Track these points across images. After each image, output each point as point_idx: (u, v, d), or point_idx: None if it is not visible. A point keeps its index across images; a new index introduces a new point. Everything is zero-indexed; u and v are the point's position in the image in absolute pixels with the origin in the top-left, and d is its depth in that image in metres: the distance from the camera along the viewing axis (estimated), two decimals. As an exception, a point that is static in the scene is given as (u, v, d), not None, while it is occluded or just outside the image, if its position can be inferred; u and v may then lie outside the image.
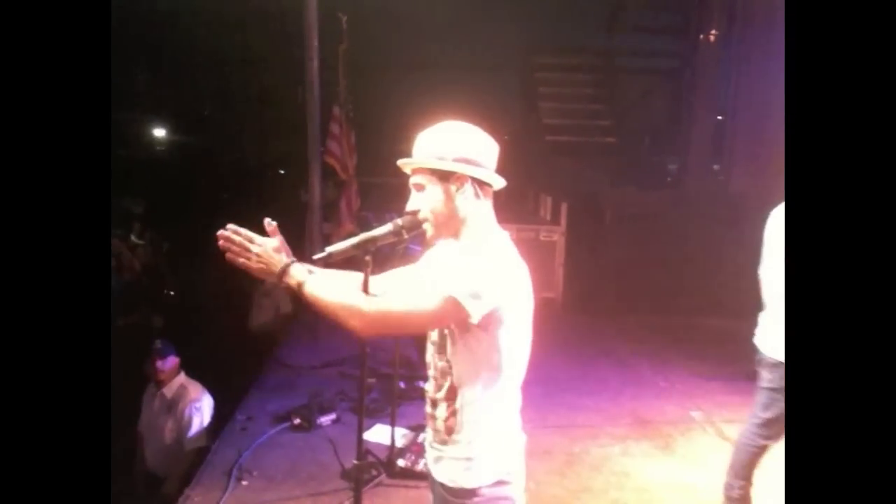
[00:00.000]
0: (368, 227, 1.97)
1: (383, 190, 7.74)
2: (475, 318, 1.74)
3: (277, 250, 1.80)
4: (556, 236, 7.48)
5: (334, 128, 7.26)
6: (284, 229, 1.85)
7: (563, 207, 7.59)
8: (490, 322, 1.77)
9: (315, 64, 6.95)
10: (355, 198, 7.51)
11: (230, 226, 1.82)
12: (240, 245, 1.79)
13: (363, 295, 1.77)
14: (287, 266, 1.78)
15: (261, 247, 1.79)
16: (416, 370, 4.75)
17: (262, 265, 1.79)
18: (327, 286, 1.76)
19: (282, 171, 9.38)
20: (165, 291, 7.95)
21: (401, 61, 9.49)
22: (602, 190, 8.71)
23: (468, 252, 1.81)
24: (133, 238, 9.40)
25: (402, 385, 4.56)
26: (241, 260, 1.80)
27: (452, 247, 1.90)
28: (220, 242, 1.81)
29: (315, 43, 6.90)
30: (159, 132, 13.19)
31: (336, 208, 7.27)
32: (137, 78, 12.14)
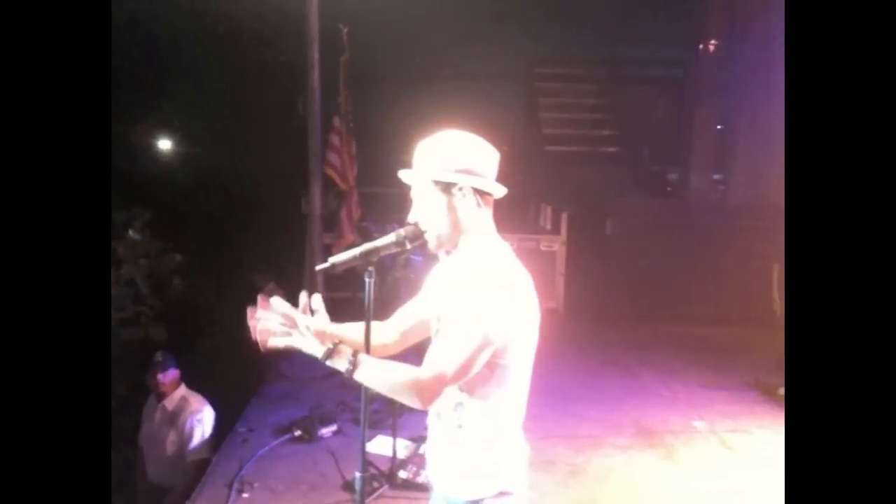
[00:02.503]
0: (370, 238, 1.98)
1: (384, 200, 7.74)
2: (499, 345, 1.77)
3: (320, 334, 1.78)
4: (557, 246, 7.48)
5: (334, 139, 7.27)
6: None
7: (564, 217, 7.59)
8: (504, 343, 1.79)
9: (316, 75, 6.98)
10: (356, 208, 7.52)
11: (274, 298, 1.81)
12: (281, 330, 1.80)
13: (412, 374, 1.76)
14: (330, 353, 1.77)
15: (301, 327, 1.78)
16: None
17: (303, 347, 1.79)
18: (373, 381, 1.78)
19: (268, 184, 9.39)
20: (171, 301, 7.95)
21: (402, 71, 9.53)
22: (603, 200, 8.72)
23: (477, 275, 1.79)
24: (131, 234, 9.37)
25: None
26: (281, 343, 1.81)
27: (456, 265, 1.89)
28: (259, 324, 1.82)
29: (316, 54, 6.93)
30: (163, 144, 13.22)
31: (337, 219, 7.27)
32: (139, 89, 12.19)
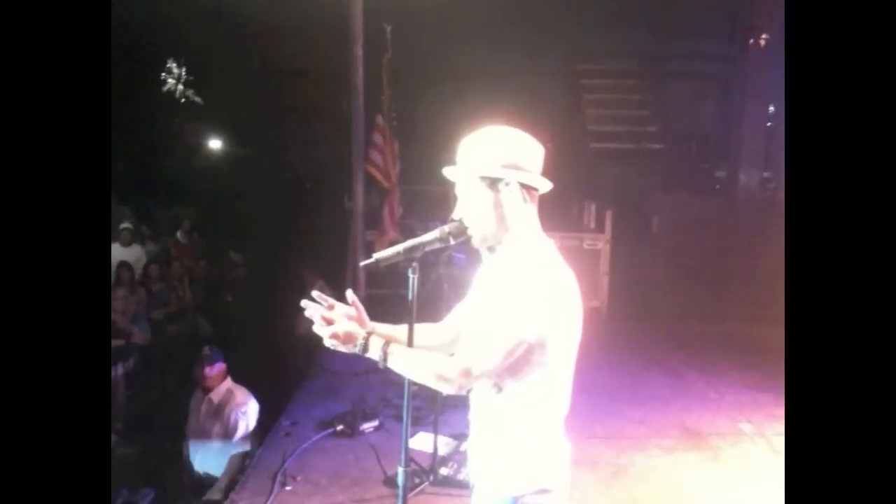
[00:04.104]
0: (413, 235, 1.98)
1: (427, 197, 7.77)
2: (533, 341, 1.78)
3: (355, 326, 1.87)
4: (601, 244, 7.39)
5: (377, 137, 7.32)
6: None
7: (608, 215, 7.49)
8: (542, 338, 1.78)
9: (359, 74, 7.04)
10: (398, 206, 7.56)
11: (315, 293, 1.92)
12: (322, 318, 1.87)
13: (440, 368, 1.82)
14: (364, 347, 1.85)
15: (340, 322, 1.87)
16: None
17: (339, 347, 1.87)
18: (406, 368, 1.84)
19: (307, 185, 9.53)
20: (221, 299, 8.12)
21: (445, 69, 9.54)
22: (648, 197, 8.58)
23: (517, 273, 1.79)
24: (179, 236, 9.61)
25: (444, 393, 4.55)
26: (325, 333, 1.88)
27: (499, 262, 1.89)
28: (306, 312, 1.89)
29: (359, 53, 6.99)
30: (213, 143, 13.49)
31: (379, 216, 7.32)
32: (188, 89, 12.49)
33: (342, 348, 1.86)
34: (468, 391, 2.00)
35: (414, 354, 1.85)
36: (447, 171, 1.93)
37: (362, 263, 1.89)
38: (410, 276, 1.83)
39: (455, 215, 1.90)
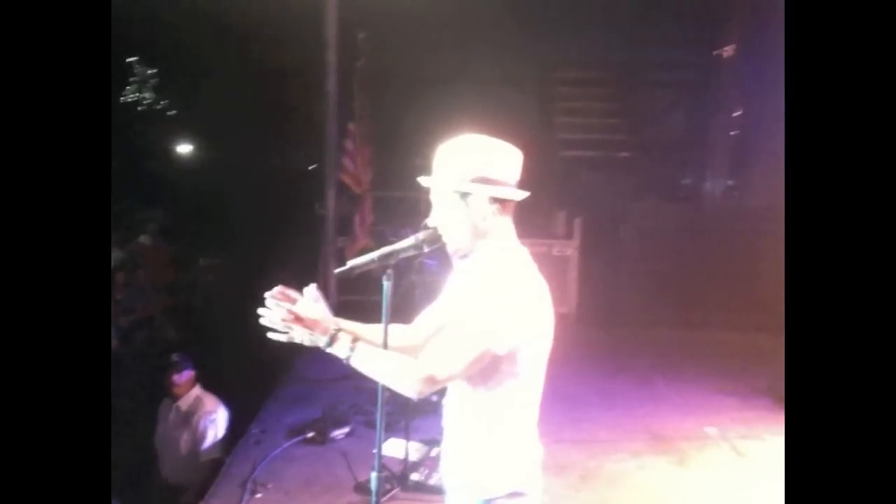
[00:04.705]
0: (385, 241, 2.00)
1: (400, 204, 7.77)
2: (502, 353, 1.80)
3: (320, 322, 1.82)
4: (570, 251, 7.47)
5: (348, 144, 7.34)
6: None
7: (577, 222, 7.58)
8: (512, 350, 1.81)
9: (332, 80, 7.05)
10: (369, 213, 7.57)
11: (278, 288, 1.86)
12: (282, 326, 1.82)
13: (404, 369, 1.82)
14: (332, 339, 1.82)
15: (304, 318, 1.81)
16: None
17: (304, 339, 1.83)
18: (373, 359, 1.83)
19: (290, 192, 9.48)
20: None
21: (418, 76, 9.56)
22: (617, 204, 8.69)
23: (489, 283, 1.81)
24: (142, 240, 9.44)
25: (415, 399, 4.56)
26: (284, 338, 1.84)
27: (472, 272, 1.91)
28: (267, 310, 1.83)
29: (332, 59, 6.99)
30: (182, 147, 13.35)
31: (350, 223, 7.32)
32: (160, 93, 12.35)
33: (306, 339, 1.82)
34: (440, 397, 2.03)
35: (380, 354, 1.84)
36: (422, 180, 1.95)
37: (337, 271, 1.87)
38: (385, 283, 1.85)
39: (430, 223, 1.92)
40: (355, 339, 1.83)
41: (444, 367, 1.80)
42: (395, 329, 2.01)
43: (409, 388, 1.81)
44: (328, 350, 1.82)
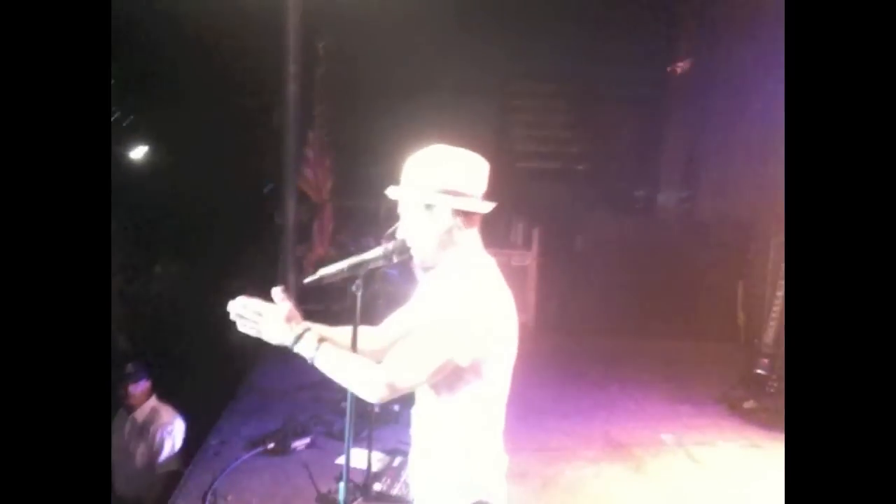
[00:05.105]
0: (346, 251, 2.02)
1: (360, 213, 7.76)
2: (465, 364, 1.82)
3: (288, 319, 1.84)
4: (528, 261, 7.57)
5: (308, 152, 7.31)
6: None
7: (535, 232, 7.69)
8: (476, 360, 1.83)
9: (291, 88, 7.01)
10: (328, 221, 7.55)
11: (240, 298, 1.88)
12: (251, 318, 1.85)
13: (366, 373, 1.83)
14: (298, 338, 1.83)
15: (271, 318, 1.84)
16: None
17: (272, 336, 1.85)
18: (337, 361, 1.84)
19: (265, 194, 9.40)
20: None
21: (378, 86, 9.58)
22: (573, 215, 8.84)
23: (454, 299, 1.84)
24: None
25: (377, 409, 4.57)
26: (252, 332, 1.86)
27: (440, 281, 1.94)
28: (231, 315, 1.86)
29: (291, 67, 6.96)
30: (137, 153, 13.03)
31: (309, 231, 7.29)
32: (114, 98, 12.05)
33: (274, 335, 1.83)
34: (403, 407, 2.05)
35: (344, 357, 1.85)
36: (389, 192, 1.96)
37: (306, 280, 1.87)
38: (356, 293, 1.86)
39: (398, 234, 1.94)
40: (321, 340, 1.84)
41: (405, 375, 1.82)
42: (363, 331, 2.01)
43: (370, 393, 1.83)
44: (294, 348, 1.84)
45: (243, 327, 1.87)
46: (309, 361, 1.84)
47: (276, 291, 1.87)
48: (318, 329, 1.93)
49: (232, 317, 1.87)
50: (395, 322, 2.12)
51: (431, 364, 1.80)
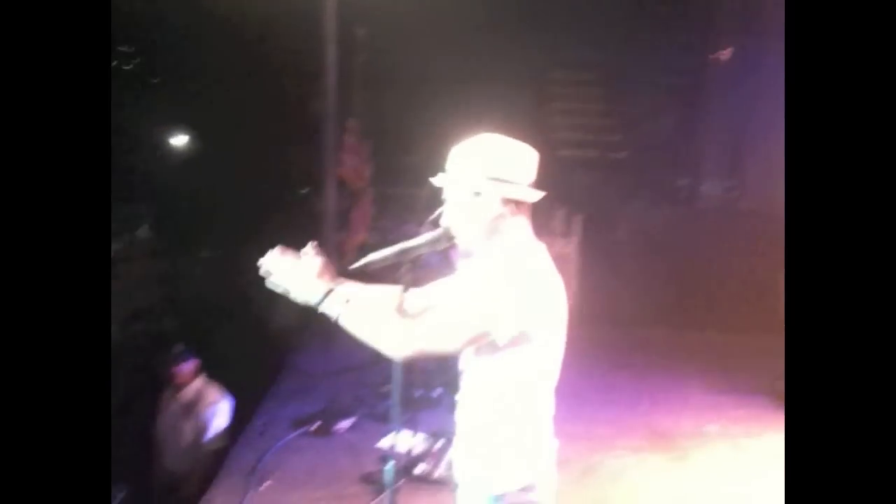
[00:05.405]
0: (388, 237, 2.01)
1: (401, 201, 7.78)
2: (502, 342, 1.78)
3: (320, 275, 1.83)
4: (569, 249, 7.50)
5: (349, 139, 7.34)
6: (297, 239, 1.90)
7: (576, 220, 7.63)
8: (517, 341, 1.80)
9: (330, 75, 7.03)
10: (368, 208, 7.58)
11: (274, 252, 1.88)
12: (282, 272, 1.84)
13: (397, 324, 1.81)
14: (325, 295, 1.82)
15: (301, 273, 1.83)
16: (433, 377, 4.77)
17: (300, 292, 1.84)
18: (362, 318, 1.81)
19: (303, 191, 9.52)
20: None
21: (416, 73, 9.59)
22: (614, 204, 8.74)
23: (498, 272, 1.81)
24: (139, 233, 9.36)
25: (419, 392, 4.59)
26: (281, 288, 1.86)
27: (484, 263, 1.91)
28: (262, 270, 1.86)
29: (331, 55, 6.98)
30: (176, 141, 13.24)
31: (349, 218, 7.33)
32: (149, 84, 12.26)
33: (301, 290, 1.83)
34: (445, 391, 2.03)
35: (372, 315, 1.82)
36: (436, 179, 1.94)
37: (351, 267, 1.88)
38: (403, 278, 1.86)
39: (443, 221, 1.93)
40: (349, 300, 1.82)
41: (438, 339, 1.80)
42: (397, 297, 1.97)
43: (397, 350, 1.79)
44: (320, 308, 1.82)
45: (272, 283, 1.87)
46: (334, 319, 1.81)
47: (309, 247, 1.86)
48: (351, 286, 1.91)
49: (262, 272, 1.87)
50: (432, 293, 2.09)
51: (466, 333, 1.78)
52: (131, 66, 11.90)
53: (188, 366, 4.59)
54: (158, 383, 4.80)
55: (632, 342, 6.85)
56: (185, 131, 12.93)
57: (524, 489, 1.90)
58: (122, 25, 10.30)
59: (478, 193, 1.85)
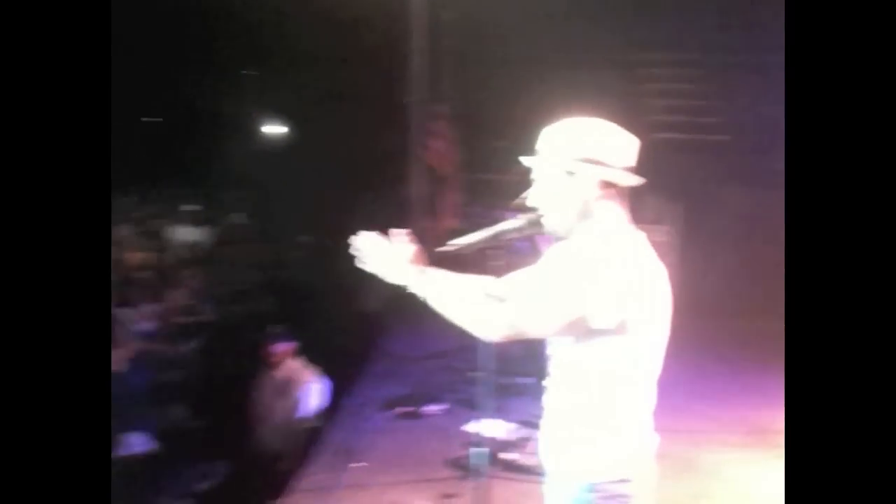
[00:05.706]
0: (479, 223, 1.98)
1: (491, 186, 7.74)
2: (598, 326, 1.72)
3: (413, 262, 1.85)
4: (665, 237, 7.26)
5: (437, 125, 7.35)
6: (387, 225, 1.90)
7: (672, 207, 7.37)
8: (616, 329, 1.73)
9: (418, 60, 7.05)
10: (456, 194, 7.58)
11: (368, 234, 1.90)
12: (376, 255, 1.86)
13: (490, 305, 1.78)
14: (419, 275, 1.83)
15: (395, 258, 1.85)
16: (520, 365, 4.72)
17: (392, 274, 1.86)
18: (455, 298, 1.81)
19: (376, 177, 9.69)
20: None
21: (504, 56, 9.50)
22: (710, 188, 8.41)
23: (597, 256, 1.75)
24: (237, 218, 9.64)
25: (508, 379, 4.55)
26: (372, 268, 1.88)
27: (579, 245, 1.83)
28: (354, 249, 1.88)
29: (419, 39, 6.99)
30: (272, 129, 13.70)
31: (436, 203, 7.35)
32: (249, 78, 12.71)
33: (394, 272, 1.84)
34: (535, 378, 1.98)
35: (464, 295, 1.81)
36: (525, 160, 1.89)
37: (438, 249, 1.88)
38: (494, 263, 1.87)
39: (530, 203, 1.88)
40: (441, 281, 1.83)
41: (533, 321, 1.76)
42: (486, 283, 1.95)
43: (491, 331, 1.78)
44: (411, 288, 1.83)
45: (363, 262, 1.89)
46: (422, 299, 1.82)
47: (402, 233, 1.87)
48: (443, 271, 1.91)
49: (354, 251, 1.89)
50: (521, 279, 2.02)
51: (563, 317, 1.72)
52: (228, 57, 12.38)
53: (284, 346, 4.73)
54: (256, 363, 4.97)
55: (732, 334, 6.59)
56: (280, 120, 13.35)
57: (619, 481, 1.84)
58: (221, 19, 10.74)
59: (571, 173, 1.80)
